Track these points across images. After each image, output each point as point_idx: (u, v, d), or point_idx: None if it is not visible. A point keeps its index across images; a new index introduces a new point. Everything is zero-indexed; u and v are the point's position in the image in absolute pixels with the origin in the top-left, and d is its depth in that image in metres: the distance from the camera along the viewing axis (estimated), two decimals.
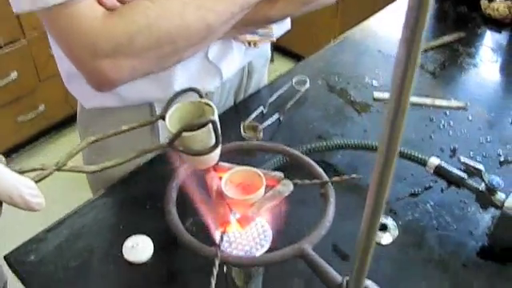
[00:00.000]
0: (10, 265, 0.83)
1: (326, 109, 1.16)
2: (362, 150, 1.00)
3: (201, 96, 0.55)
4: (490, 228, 0.88)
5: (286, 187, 0.46)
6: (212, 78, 1.02)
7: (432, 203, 0.93)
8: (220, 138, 0.49)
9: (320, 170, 0.48)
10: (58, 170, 0.51)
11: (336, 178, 0.48)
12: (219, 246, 0.42)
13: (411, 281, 0.82)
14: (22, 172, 0.46)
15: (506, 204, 0.81)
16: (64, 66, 0.99)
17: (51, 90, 2.41)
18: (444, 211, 0.92)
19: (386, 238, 0.88)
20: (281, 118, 1.12)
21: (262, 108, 1.12)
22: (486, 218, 0.90)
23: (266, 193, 0.46)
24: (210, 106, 0.52)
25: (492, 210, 0.86)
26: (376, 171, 0.29)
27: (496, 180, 0.83)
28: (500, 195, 0.83)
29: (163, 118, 0.53)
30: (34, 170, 0.48)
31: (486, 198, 0.84)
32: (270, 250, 0.48)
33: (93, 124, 1.08)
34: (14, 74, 2.25)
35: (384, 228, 0.89)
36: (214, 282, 0.40)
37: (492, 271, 0.82)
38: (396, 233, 0.89)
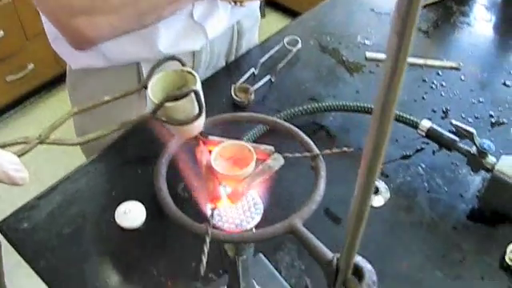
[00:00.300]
0: (3, 233, 0.83)
1: (318, 69, 1.15)
2: (355, 112, 0.99)
3: (183, 64, 0.54)
4: (480, 191, 0.88)
5: (277, 161, 0.46)
6: (197, 37, 1.01)
7: (423, 166, 0.93)
8: (203, 108, 0.47)
9: (311, 142, 0.48)
10: (41, 143, 0.50)
11: (327, 151, 0.48)
12: (210, 223, 0.42)
13: (402, 243, 0.83)
14: (3, 146, 0.45)
15: (496, 167, 0.81)
16: (50, 26, 0.97)
17: (39, 48, 2.36)
18: (435, 174, 0.92)
19: (377, 201, 0.89)
20: (272, 79, 1.10)
21: (253, 69, 1.11)
22: (477, 180, 0.91)
23: (256, 167, 0.46)
24: (193, 74, 0.51)
25: (483, 172, 0.86)
26: (370, 140, 0.28)
27: (487, 143, 0.83)
28: (491, 158, 0.83)
29: (146, 87, 0.52)
30: (17, 143, 0.47)
31: (476, 161, 0.84)
32: (261, 222, 0.49)
33: (81, 85, 1.07)
34: (0, 33, 2.20)
35: (376, 191, 0.90)
36: (205, 260, 0.40)
37: (481, 233, 0.83)
38: (388, 195, 0.89)
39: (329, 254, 0.40)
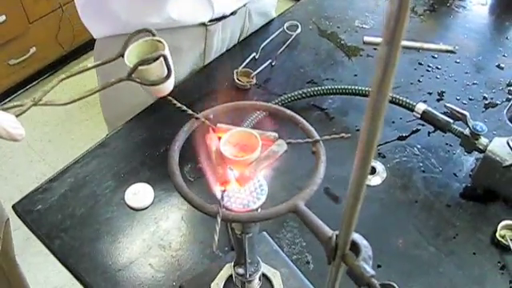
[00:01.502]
0: (18, 214, 0.87)
1: (317, 53, 1.18)
2: (353, 95, 1.03)
3: (153, 35, 0.62)
4: (473, 170, 0.92)
5: (280, 147, 0.50)
6: (204, 10, 1.06)
7: (419, 146, 0.97)
8: (171, 70, 0.55)
9: (312, 129, 0.52)
10: (35, 105, 0.57)
11: (326, 137, 0.51)
12: (220, 205, 0.46)
13: (398, 220, 0.87)
14: (3, 109, 0.52)
15: (488, 148, 0.85)
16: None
17: (41, 31, 2.39)
18: (430, 154, 0.96)
19: (374, 180, 0.93)
20: (273, 63, 1.14)
21: (254, 54, 1.14)
22: (470, 160, 0.95)
23: (261, 152, 0.50)
24: (162, 42, 0.59)
25: (476, 153, 0.90)
26: (366, 124, 0.32)
27: (480, 125, 0.87)
28: (483, 140, 0.87)
29: (122, 55, 0.60)
30: (14, 106, 0.54)
31: (470, 143, 0.88)
32: (265, 202, 0.53)
33: (105, 53, 1.13)
34: (1, 18, 2.22)
35: (373, 171, 0.94)
36: (216, 238, 0.44)
37: (474, 211, 0.87)
38: (384, 175, 0.93)
39: (328, 232, 0.44)
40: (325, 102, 1.06)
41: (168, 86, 0.60)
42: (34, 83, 2.57)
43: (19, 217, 0.88)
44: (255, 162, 0.49)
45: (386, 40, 0.27)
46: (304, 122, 0.51)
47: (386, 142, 0.98)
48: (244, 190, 0.52)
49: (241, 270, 0.66)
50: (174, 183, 0.47)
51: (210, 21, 1.08)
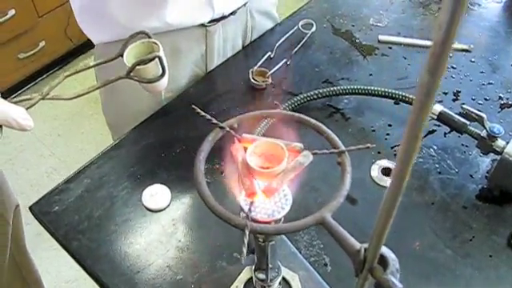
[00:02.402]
0: (35, 215, 0.88)
1: (332, 52, 1.17)
2: (369, 95, 1.03)
3: (149, 37, 0.69)
4: (489, 171, 0.92)
5: (306, 158, 0.50)
6: (204, 11, 1.05)
7: (435, 147, 0.97)
8: (166, 69, 0.62)
9: (337, 139, 0.52)
10: (43, 98, 0.64)
11: (352, 147, 0.51)
12: (248, 217, 0.46)
13: (414, 222, 0.87)
14: (13, 102, 0.58)
15: (505, 150, 0.85)
16: (76, 2, 1.05)
17: (50, 25, 2.39)
18: (446, 155, 0.96)
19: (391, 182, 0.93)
20: (288, 63, 1.14)
21: (269, 53, 1.14)
22: (486, 161, 0.94)
23: (287, 163, 0.50)
24: (157, 44, 0.66)
25: (492, 153, 0.90)
26: (403, 146, 0.32)
27: (497, 127, 0.87)
28: (500, 142, 0.87)
29: (121, 55, 0.67)
30: (24, 100, 0.59)
31: (486, 145, 0.88)
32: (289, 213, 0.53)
33: (105, 58, 1.12)
34: (11, 12, 2.22)
35: (389, 172, 0.94)
36: (245, 250, 0.44)
37: (490, 213, 0.87)
38: None
39: (356, 245, 0.44)
40: (340, 102, 1.06)
41: (163, 84, 0.68)
42: (44, 77, 2.57)
43: (36, 218, 0.88)
44: (282, 174, 0.49)
45: (429, 69, 0.27)
46: (329, 132, 0.52)
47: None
48: (269, 199, 0.52)
49: (262, 275, 0.66)
50: (200, 194, 0.47)
51: (210, 21, 1.07)
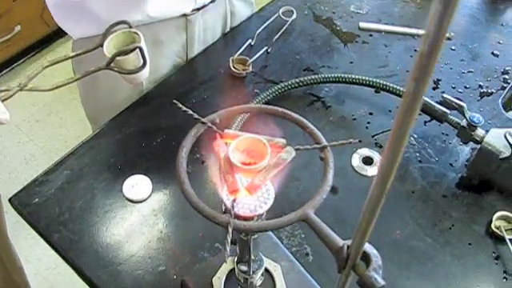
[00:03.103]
0: (14, 207, 0.87)
1: (313, 39, 1.17)
2: (350, 84, 1.03)
3: (130, 27, 0.68)
4: (469, 160, 0.93)
5: (289, 153, 0.50)
6: (186, 1, 1.04)
7: (415, 136, 0.98)
8: (146, 60, 0.61)
9: (320, 134, 0.52)
10: (21, 90, 0.61)
11: (334, 143, 0.51)
12: (231, 214, 0.46)
13: (395, 211, 0.88)
14: None
15: (485, 140, 0.86)
16: (51, 0, 1.00)
17: (26, 9, 2.33)
18: (427, 144, 0.97)
19: (371, 171, 0.93)
20: (269, 50, 1.13)
21: (250, 40, 1.13)
22: (466, 150, 0.95)
23: (270, 159, 0.50)
24: (138, 34, 0.65)
25: (472, 142, 0.91)
26: (386, 152, 0.32)
27: (476, 117, 0.87)
28: (480, 131, 0.88)
29: (102, 45, 0.66)
30: (1, 91, 0.56)
31: (466, 134, 0.89)
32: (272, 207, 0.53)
33: (87, 57, 1.10)
34: None
35: (370, 161, 0.94)
36: (228, 248, 0.44)
37: (469, 201, 0.89)
38: None
39: (339, 242, 0.44)
40: (321, 91, 1.06)
41: (143, 75, 0.67)
42: (20, 62, 2.52)
43: (16, 209, 0.87)
44: (264, 170, 0.49)
45: (415, 77, 0.27)
46: (312, 127, 0.51)
47: (383, 132, 0.99)
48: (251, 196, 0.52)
49: (244, 267, 0.66)
50: (183, 193, 0.47)
51: (191, 11, 1.06)
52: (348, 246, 0.44)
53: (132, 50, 0.65)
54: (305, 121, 0.52)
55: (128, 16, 0.97)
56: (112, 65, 0.66)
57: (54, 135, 2.27)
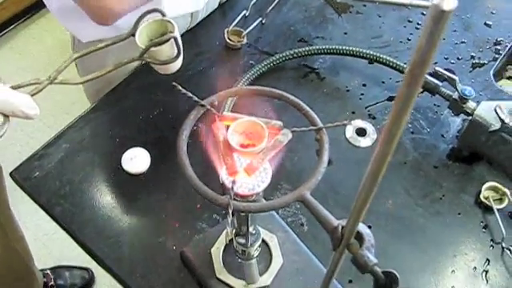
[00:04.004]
0: (16, 181, 0.89)
1: (307, 10, 1.17)
2: (344, 55, 1.04)
3: (163, 15, 0.63)
4: (460, 131, 0.95)
5: (285, 136, 0.51)
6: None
7: None
8: (181, 50, 0.58)
9: (315, 116, 0.53)
10: (51, 83, 0.57)
11: (329, 125, 0.53)
12: (231, 196, 0.48)
13: (387, 182, 0.90)
14: (18, 87, 0.54)
15: (476, 112, 0.88)
16: (52, 4, 0.98)
17: None
18: (419, 115, 0.99)
19: (364, 142, 0.95)
20: (263, 22, 1.13)
21: (244, 11, 1.13)
22: (457, 121, 0.97)
23: (267, 141, 0.52)
24: (171, 23, 0.61)
25: (463, 114, 0.93)
26: (379, 149, 0.34)
27: (468, 89, 0.89)
28: (471, 103, 0.90)
29: (133, 35, 0.61)
30: (30, 84, 0.55)
31: (458, 106, 0.91)
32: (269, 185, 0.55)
33: (88, 56, 1.08)
34: None
35: (364, 133, 0.96)
36: (229, 229, 0.46)
37: (460, 172, 0.91)
38: (375, 136, 0.96)
39: (334, 222, 0.47)
40: (316, 62, 1.07)
41: (177, 65, 0.63)
42: (11, 27, 2.50)
43: (17, 183, 0.89)
44: (262, 152, 0.50)
45: (408, 83, 0.28)
46: (308, 109, 0.53)
47: (377, 103, 1.00)
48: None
49: (242, 240, 0.69)
50: (185, 175, 0.48)
51: None
52: (342, 226, 0.46)
53: (166, 41, 0.61)
54: (301, 103, 0.54)
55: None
56: (145, 55, 0.61)
57: (52, 101, 2.27)
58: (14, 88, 0.53)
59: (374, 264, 0.45)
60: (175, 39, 0.59)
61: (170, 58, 0.59)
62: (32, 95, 0.54)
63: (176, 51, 0.59)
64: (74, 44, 1.09)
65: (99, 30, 0.92)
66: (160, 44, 0.59)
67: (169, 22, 0.62)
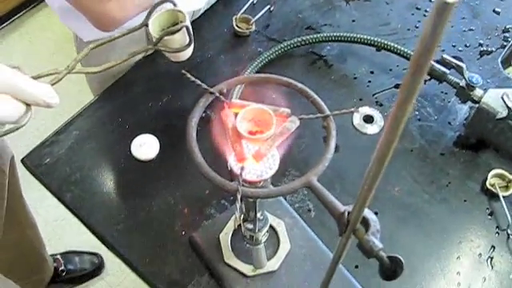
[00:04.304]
0: (27, 168, 0.90)
1: None
2: (352, 43, 1.04)
3: (175, 5, 0.66)
4: (467, 119, 0.96)
5: (293, 123, 0.52)
6: None
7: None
8: (192, 38, 0.61)
9: (322, 103, 0.54)
10: (69, 72, 0.59)
11: (336, 112, 0.54)
12: (240, 182, 0.49)
13: (394, 168, 0.91)
14: (38, 77, 0.55)
15: (483, 100, 0.88)
16: (54, 3, 0.98)
17: None
18: (426, 102, 0.99)
19: (372, 129, 0.96)
20: (271, 9, 1.14)
21: None
22: (465, 108, 0.98)
23: (275, 129, 0.52)
24: (182, 13, 0.64)
25: (470, 102, 0.93)
26: (384, 138, 0.35)
27: (475, 77, 0.89)
28: (478, 91, 0.90)
29: (146, 25, 0.64)
30: (50, 74, 0.57)
31: (465, 93, 0.91)
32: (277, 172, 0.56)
33: (92, 52, 1.08)
34: None
35: (371, 120, 0.97)
36: (238, 215, 0.47)
37: (466, 159, 0.92)
38: (382, 123, 0.96)
39: (340, 207, 0.47)
40: (323, 49, 1.07)
41: (188, 52, 0.68)
42: (20, 14, 2.51)
43: (29, 170, 0.90)
44: (270, 139, 0.51)
45: (412, 72, 0.29)
46: (315, 96, 0.54)
47: (384, 90, 1.01)
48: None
49: (250, 226, 0.70)
50: (194, 161, 0.49)
51: None
52: (349, 212, 0.47)
53: (178, 30, 0.64)
54: (308, 90, 0.54)
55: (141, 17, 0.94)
56: (159, 44, 0.64)
57: (58, 88, 2.28)
58: (34, 78, 0.54)
59: (380, 249, 0.46)
60: (187, 28, 0.61)
61: (182, 46, 0.62)
62: (52, 85, 0.55)
63: (188, 39, 0.62)
64: (77, 41, 1.09)
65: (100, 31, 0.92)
66: (173, 33, 0.62)
67: (180, 11, 0.65)
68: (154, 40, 0.61)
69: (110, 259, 1.74)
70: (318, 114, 0.54)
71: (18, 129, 0.50)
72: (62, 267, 1.67)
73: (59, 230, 1.93)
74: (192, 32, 0.65)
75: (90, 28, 0.91)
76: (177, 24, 0.63)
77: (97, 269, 1.73)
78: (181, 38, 0.62)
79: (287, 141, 0.54)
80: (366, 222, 0.47)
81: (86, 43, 1.03)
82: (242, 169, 0.50)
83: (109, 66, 0.62)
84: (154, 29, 0.65)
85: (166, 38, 0.62)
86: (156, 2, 0.66)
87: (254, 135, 0.52)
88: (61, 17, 1.01)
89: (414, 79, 0.30)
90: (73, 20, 0.98)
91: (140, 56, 1.05)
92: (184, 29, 0.61)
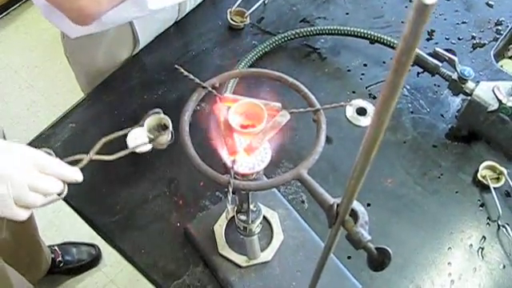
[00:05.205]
0: None
1: None
2: (345, 36, 1.05)
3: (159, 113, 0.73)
4: (459, 111, 0.97)
5: (284, 117, 0.53)
6: None
7: (408, 87, 1.01)
8: (173, 136, 0.68)
9: (313, 97, 0.55)
10: (90, 160, 0.71)
11: (326, 106, 0.55)
12: (231, 175, 0.50)
13: (387, 160, 0.92)
14: (68, 161, 0.70)
15: (474, 92, 0.89)
16: (39, 1, 0.98)
17: None
18: (419, 95, 1.00)
19: (365, 121, 0.97)
20: (266, 2, 1.14)
21: None
22: (457, 101, 0.99)
23: (266, 122, 0.53)
24: (167, 119, 0.72)
25: (462, 94, 0.94)
26: (368, 134, 0.36)
27: (467, 70, 0.90)
28: (470, 84, 0.91)
29: (143, 125, 0.75)
30: (76, 160, 0.70)
31: (457, 86, 0.92)
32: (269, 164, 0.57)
33: (79, 49, 1.09)
34: None
35: (364, 112, 0.98)
36: (230, 207, 0.48)
37: (458, 151, 0.93)
38: None
39: (330, 200, 0.49)
40: (317, 42, 1.08)
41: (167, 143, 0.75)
42: (16, 6, 2.51)
43: None
44: (261, 133, 0.52)
45: (395, 69, 0.30)
46: (306, 90, 0.55)
47: (377, 83, 1.02)
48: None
49: (243, 217, 0.71)
50: (187, 154, 0.50)
51: None
52: (338, 204, 0.48)
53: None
54: (300, 85, 0.55)
55: (127, 13, 0.94)
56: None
57: (54, 80, 2.29)
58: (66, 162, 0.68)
59: (368, 240, 0.47)
60: (171, 132, 0.70)
61: (166, 142, 0.72)
62: (80, 168, 0.70)
63: (170, 136, 0.71)
64: (64, 38, 1.09)
65: (89, 27, 0.91)
66: (162, 135, 0.72)
67: (164, 118, 0.73)
68: (149, 139, 0.73)
69: (108, 250, 1.76)
70: (309, 108, 0.55)
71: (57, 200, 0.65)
72: (60, 258, 1.68)
73: (57, 222, 1.94)
74: (173, 132, 0.72)
75: (74, 25, 0.90)
76: (163, 124, 0.72)
77: (94, 260, 1.74)
78: (165, 137, 0.72)
79: (280, 133, 0.55)
80: (354, 214, 0.48)
81: (72, 41, 1.03)
82: (234, 162, 0.51)
83: (122, 154, 0.73)
84: (147, 128, 0.76)
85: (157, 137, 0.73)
86: (148, 112, 0.74)
87: (245, 129, 0.53)
88: (46, 15, 0.99)
89: (397, 76, 0.31)
90: (57, 18, 0.96)
91: (122, 60, 1.06)
92: (169, 131, 0.70)
